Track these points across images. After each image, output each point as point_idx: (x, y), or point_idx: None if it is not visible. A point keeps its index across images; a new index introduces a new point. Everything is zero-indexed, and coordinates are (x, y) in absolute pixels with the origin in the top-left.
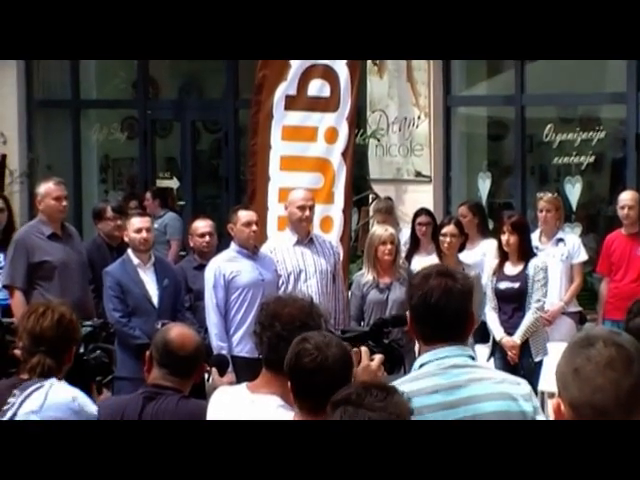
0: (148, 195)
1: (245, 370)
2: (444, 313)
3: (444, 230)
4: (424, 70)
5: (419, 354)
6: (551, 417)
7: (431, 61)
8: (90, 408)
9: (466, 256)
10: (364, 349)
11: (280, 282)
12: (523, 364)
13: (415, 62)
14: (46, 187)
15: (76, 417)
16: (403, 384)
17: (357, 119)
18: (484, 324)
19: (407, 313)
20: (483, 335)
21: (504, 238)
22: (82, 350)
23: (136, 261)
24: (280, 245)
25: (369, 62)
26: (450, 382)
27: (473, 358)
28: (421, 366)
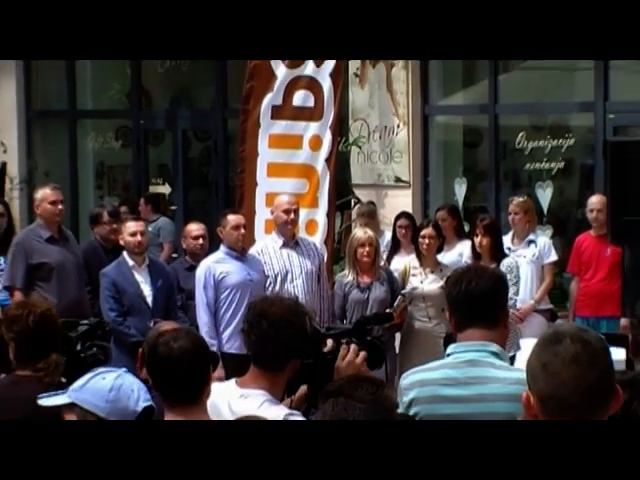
0: (142, 201)
1: (234, 366)
2: (473, 296)
3: (423, 232)
4: (403, 81)
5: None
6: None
7: (410, 72)
8: (125, 403)
9: (444, 257)
10: (353, 346)
11: (267, 282)
12: None
13: (395, 73)
14: (43, 192)
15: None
16: (420, 372)
17: (340, 128)
18: None
19: (388, 310)
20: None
21: (477, 240)
22: (79, 347)
23: (131, 263)
24: (267, 247)
25: (351, 73)
26: (463, 377)
27: (497, 354)
28: (448, 355)
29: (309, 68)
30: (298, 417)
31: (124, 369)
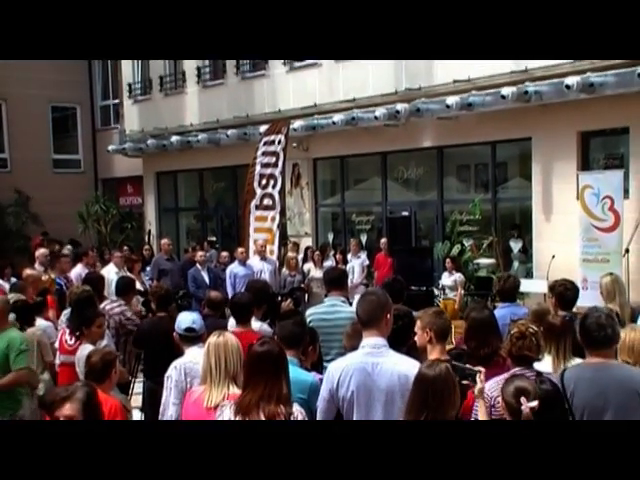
0: (205, 243)
1: None
2: (333, 278)
3: (315, 253)
4: (307, 193)
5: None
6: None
7: (310, 190)
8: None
9: (325, 264)
10: (289, 300)
11: (254, 275)
12: None
13: (304, 192)
14: (164, 240)
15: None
16: (313, 309)
17: (282, 213)
18: None
19: (302, 285)
20: None
21: (337, 257)
22: (179, 301)
23: (200, 267)
24: (253, 260)
25: (287, 191)
26: (331, 310)
27: (344, 301)
28: (325, 302)
29: (269, 189)
30: (265, 325)
31: (197, 312)
